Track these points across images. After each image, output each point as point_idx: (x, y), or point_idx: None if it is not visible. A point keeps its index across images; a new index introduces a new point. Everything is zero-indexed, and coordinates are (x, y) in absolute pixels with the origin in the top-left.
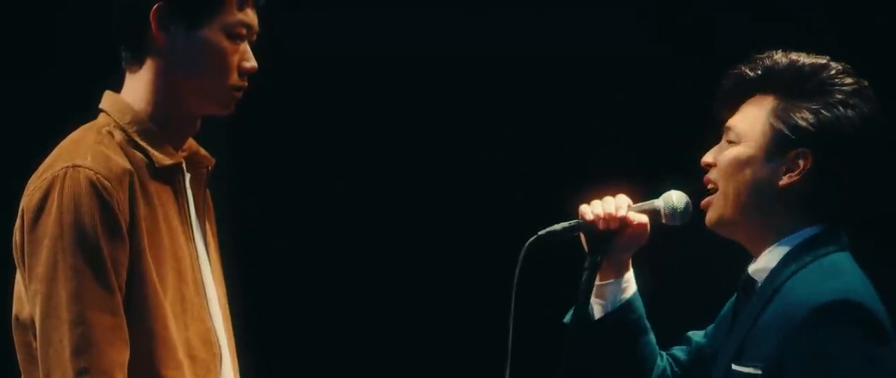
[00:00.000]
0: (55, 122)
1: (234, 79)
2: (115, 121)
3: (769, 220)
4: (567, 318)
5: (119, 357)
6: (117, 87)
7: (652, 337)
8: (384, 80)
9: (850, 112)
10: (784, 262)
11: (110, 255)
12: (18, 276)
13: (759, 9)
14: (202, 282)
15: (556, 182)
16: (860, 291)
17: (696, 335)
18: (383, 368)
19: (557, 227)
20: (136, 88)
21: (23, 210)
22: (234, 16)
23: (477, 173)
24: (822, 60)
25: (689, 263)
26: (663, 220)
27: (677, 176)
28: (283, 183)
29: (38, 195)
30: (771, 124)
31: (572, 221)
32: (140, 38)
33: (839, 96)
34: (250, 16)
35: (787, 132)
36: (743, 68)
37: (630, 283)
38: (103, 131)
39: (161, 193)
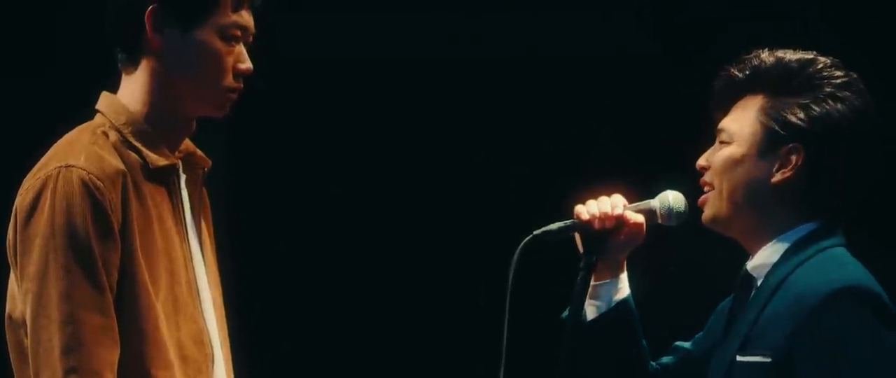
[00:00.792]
0: (54, 122)
1: (229, 80)
2: (110, 121)
3: (765, 216)
4: (565, 315)
5: (109, 357)
6: (115, 88)
7: (643, 339)
8: (379, 81)
9: (839, 105)
10: (785, 256)
11: (101, 255)
12: (12, 276)
13: (755, 9)
14: (196, 282)
15: (551, 182)
16: (868, 279)
17: (683, 344)
18: (379, 369)
19: (553, 226)
20: (132, 89)
21: (16, 209)
22: (229, 17)
23: (472, 174)
24: (809, 55)
25: (684, 264)
26: (659, 220)
27: (673, 176)
28: (279, 185)
29: (31, 194)
30: (761, 122)
31: (568, 221)
32: (135, 40)
33: (828, 90)
34: (245, 17)
35: (777, 128)
36: (731, 70)
37: (625, 284)
38: (98, 132)
39: (155, 194)
